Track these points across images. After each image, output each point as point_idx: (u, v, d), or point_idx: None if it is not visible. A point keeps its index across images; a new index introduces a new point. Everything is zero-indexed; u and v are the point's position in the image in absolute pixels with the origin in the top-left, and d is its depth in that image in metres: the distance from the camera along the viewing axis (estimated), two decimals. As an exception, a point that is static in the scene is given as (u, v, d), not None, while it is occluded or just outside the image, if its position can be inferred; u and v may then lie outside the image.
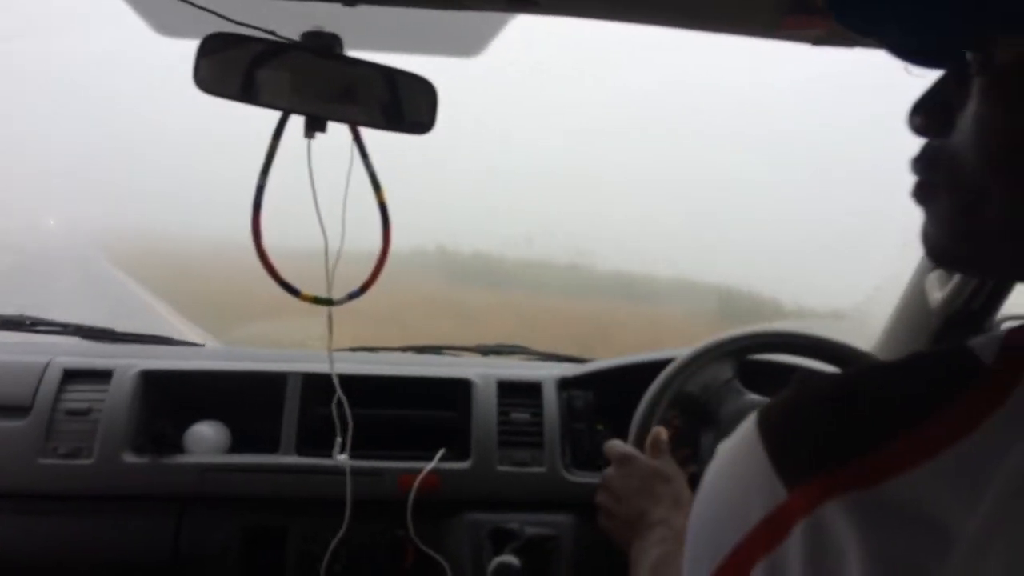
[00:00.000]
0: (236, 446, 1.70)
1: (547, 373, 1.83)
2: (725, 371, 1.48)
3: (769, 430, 0.49)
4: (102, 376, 1.69)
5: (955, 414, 0.44)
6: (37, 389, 1.66)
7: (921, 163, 0.56)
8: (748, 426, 0.50)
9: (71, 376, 1.69)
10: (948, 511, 0.41)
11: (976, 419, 0.43)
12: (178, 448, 1.66)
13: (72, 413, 1.64)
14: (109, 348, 1.91)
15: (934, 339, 1.77)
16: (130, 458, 1.61)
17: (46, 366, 1.70)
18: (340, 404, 1.56)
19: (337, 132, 1.28)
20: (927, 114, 0.55)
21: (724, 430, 1.42)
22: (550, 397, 1.77)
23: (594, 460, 1.74)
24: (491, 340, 2.11)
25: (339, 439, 1.58)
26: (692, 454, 1.50)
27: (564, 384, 1.81)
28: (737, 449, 0.51)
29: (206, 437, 1.67)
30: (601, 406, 1.79)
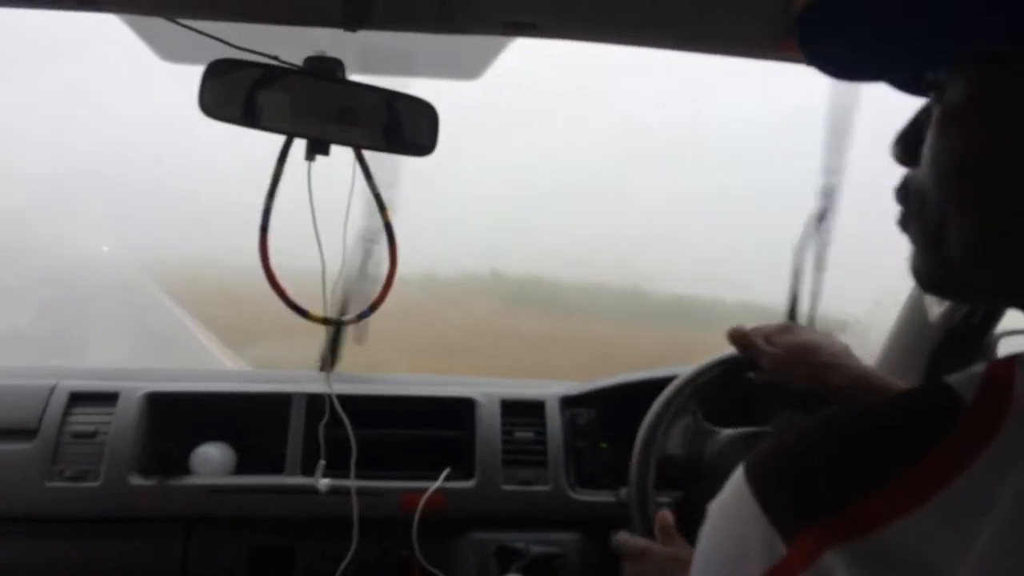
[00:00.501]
0: (242, 467, 1.71)
1: (550, 391, 1.84)
2: (689, 419, 1.46)
3: (759, 483, 0.49)
4: (108, 399, 1.70)
5: (942, 457, 0.44)
6: (44, 412, 1.67)
7: (898, 193, 0.58)
8: (737, 481, 0.50)
9: (77, 399, 1.70)
10: (942, 555, 0.42)
11: (963, 461, 0.43)
12: (184, 470, 1.66)
13: (78, 436, 1.65)
14: (114, 371, 1.92)
15: (934, 354, 1.77)
16: (136, 480, 1.62)
17: (52, 389, 1.71)
18: (339, 425, 1.57)
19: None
20: (903, 144, 0.58)
21: (711, 475, 1.41)
22: (553, 415, 1.78)
23: (598, 478, 1.75)
24: (567, 374, 2.09)
25: (322, 462, 1.61)
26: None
27: (567, 402, 1.81)
28: (729, 506, 0.51)
29: (212, 458, 1.67)
30: (604, 424, 1.79)
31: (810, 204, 1.76)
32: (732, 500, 0.51)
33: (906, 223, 0.58)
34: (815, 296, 1.85)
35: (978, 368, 0.47)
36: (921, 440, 0.45)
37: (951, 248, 0.53)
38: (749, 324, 1.36)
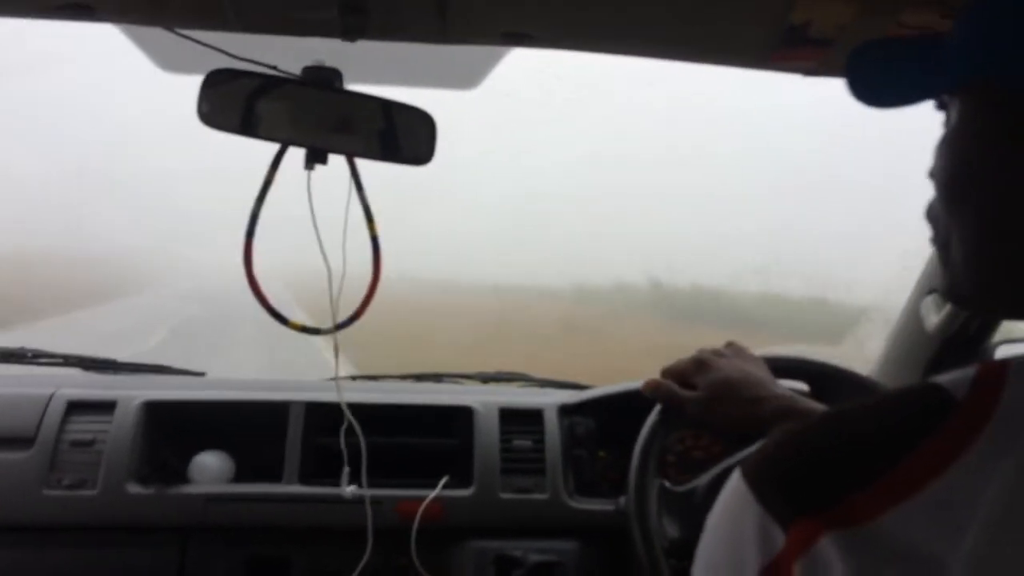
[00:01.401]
0: (240, 476, 1.70)
1: (548, 400, 1.84)
2: (661, 492, 1.45)
3: (757, 479, 0.51)
4: (106, 407, 1.70)
5: (934, 449, 0.45)
6: (41, 421, 1.67)
7: (927, 215, 0.63)
8: (735, 482, 0.52)
9: (75, 407, 1.70)
10: (936, 543, 0.43)
11: (954, 453, 0.45)
12: (182, 478, 1.66)
13: (76, 444, 1.65)
14: (111, 379, 1.92)
15: (931, 363, 1.78)
16: (134, 489, 1.62)
17: (50, 398, 1.71)
18: (351, 432, 1.57)
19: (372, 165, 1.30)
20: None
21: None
22: (551, 424, 1.78)
23: (597, 486, 1.75)
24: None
25: (347, 469, 1.59)
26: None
27: (565, 411, 1.81)
28: (727, 504, 0.53)
29: (210, 467, 1.67)
30: (602, 432, 1.79)
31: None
32: (730, 498, 0.52)
33: (934, 241, 0.62)
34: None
35: (970, 370, 0.49)
36: (913, 435, 0.47)
37: (955, 263, 0.57)
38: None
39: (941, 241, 0.59)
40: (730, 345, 1.30)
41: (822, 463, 0.49)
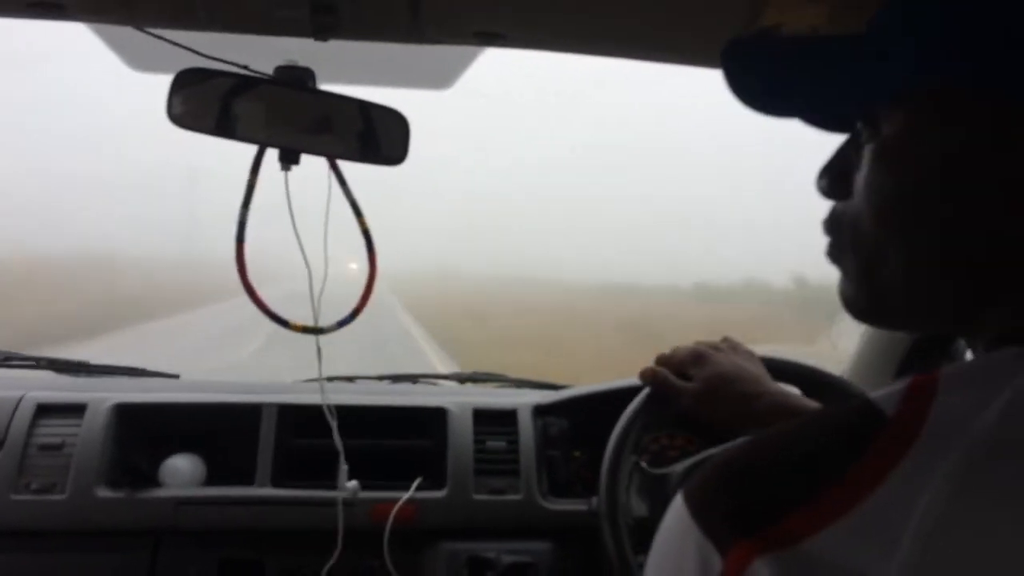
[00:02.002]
0: (212, 478, 1.69)
1: (522, 400, 1.84)
2: (636, 473, 1.46)
3: (696, 504, 0.51)
4: (76, 410, 1.68)
5: (865, 466, 0.45)
6: (9, 424, 1.64)
7: (828, 224, 0.62)
8: (677, 505, 0.52)
9: (44, 411, 1.68)
10: (868, 560, 0.43)
11: (885, 468, 0.45)
12: (153, 481, 1.65)
13: (45, 448, 1.63)
14: (83, 382, 1.90)
15: (904, 363, 1.79)
16: (104, 492, 1.60)
17: (19, 401, 1.68)
18: (317, 435, 1.56)
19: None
20: (830, 178, 0.61)
21: None
22: (525, 424, 1.78)
23: (571, 487, 1.75)
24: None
25: (344, 466, 1.59)
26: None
27: (539, 411, 1.81)
28: (670, 530, 0.53)
29: (181, 470, 1.66)
30: (577, 433, 1.80)
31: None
32: (672, 523, 0.53)
33: (837, 254, 0.61)
34: None
35: (902, 383, 0.49)
36: (844, 454, 0.47)
37: (886, 277, 0.56)
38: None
39: (864, 257, 0.58)
40: (726, 340, 1.30)
41: (757, 485, 0.49)
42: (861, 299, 0.60)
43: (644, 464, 1.40)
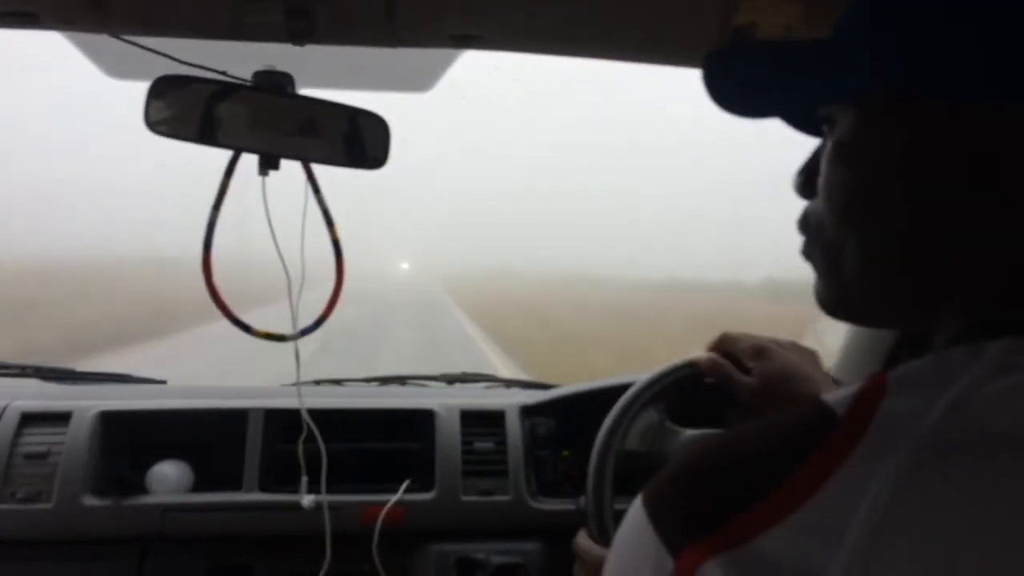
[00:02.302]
0: (199, 485, 1.69)
1: (510, 401, 1.84)
2: (654, 416, 1.46)
3: (653, 506, 0.52)
4: (61, 418, 1.68)
5: (810, 467, 0.46)
6: None
7: (800, 223, 0.63)
8: (635, 505, 0.53)
9: (29, 419, 1.67)
10: (813, 559, 0.43)
11: (832, 466, 0.45)
12: (140, 489, 1.64)
13: (30, 457, 1.62)
14: (70, 389, 1.90)
15: (891, 356, 1.80)
16: (90, 501, 1.60)
17: (3, 410, 1.68)
18: (311, 439, 1.55)
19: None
20: (803, 178, 0.63)
21: None
22: (513, 425, 1.78)
23: (559, 487, 1.75)
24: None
25: (304, 478, 1.58)
26: None
27: (527, 412, 1.82)
28: (629, 529, 0.54)
29: (168, 477, 1.65)
30: (565, 432, 1.80)
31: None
32: (631, 523, 0.53)
33: (809, 252, 0.63)
34: None
35: (856, 385, 0.50)
36: (796, 453, 0.47)
37: (846, 273, 0.58)
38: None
39: (829, 253, 0.59)
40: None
41: (711, 486, 0.50)
42: (829, 296, 0.61)
43: (635, 448, 1.40)
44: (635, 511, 0.53)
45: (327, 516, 1.58)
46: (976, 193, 0.50)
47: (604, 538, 1.33)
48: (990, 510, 0.42)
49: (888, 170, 0.54)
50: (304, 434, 1.55)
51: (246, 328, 1.35)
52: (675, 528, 0.49)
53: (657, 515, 0.51)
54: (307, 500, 1.58)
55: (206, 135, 1.21)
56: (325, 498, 1.59)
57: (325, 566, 1.57)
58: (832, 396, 0.50)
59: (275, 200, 1.35)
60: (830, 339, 2.07)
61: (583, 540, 1.25)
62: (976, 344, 0.48)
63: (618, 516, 1.38)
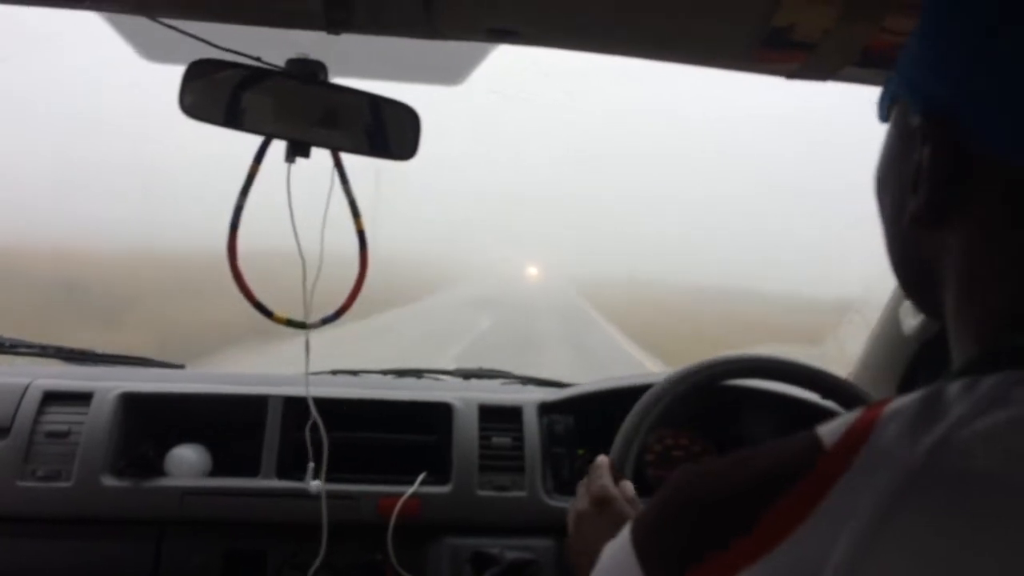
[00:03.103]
0: (217, 469, 1.70)
1: (528, 397, 1.84)
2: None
3: (639, 538, 0.52)
4: (82, 398, 1.69)
5: (788, 505, 0.45)
6: (16, 411, 1.65)
7: None
8: (624, 533, 0.53)
9: (51, 398, 1.68)
10: None
11: (806, 509, 0.44)
12: (158, 471, 1.65)
13: (51, 435, 1.63)
14: (90, 371, 1.91)
15: (909, 367, 1.79)
16: (109, 481, 1.61)
17: (26, 388, 1.69)
18: (316, 428, 1.56)
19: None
20: None
21: None
22: (531, 421, 1.78)
23: (575, 485, 1.75)
24: None
25: (311, 464, 1.58)
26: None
27: (544, 408, 1.82)
28: (615, 555, 0.54)
29: (187, 460, 1.66)
30: (581, 430, 1.80)
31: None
32: (618, 552, 0.54)
33: None
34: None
35: (851, 416, 0.48)
36: (776, 489, 0.46)
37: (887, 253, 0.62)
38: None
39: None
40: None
41: (688, 521, 0.49)
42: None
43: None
44: (622, 543, 0.53)
45: (324, 504, 1.59)
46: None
47: None
48: (966, 550, 0.41)
49: (880, 169, 0.59)
50: (311, 422, 1.55)
51: (267, 313, 1.36)
52: (659, 562, 0.49)
53: (640, 546, 0.51)
54: (314, 485, 1.58)
55: (239, 121, 1.22)
56: (324, 486, 1.59)
57: (321, 553, 1.57)
58: (826, 426, 0.48)
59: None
60: (851, 348, 2.06)
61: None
62: (974, 377, 0.47)
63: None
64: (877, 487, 0.43)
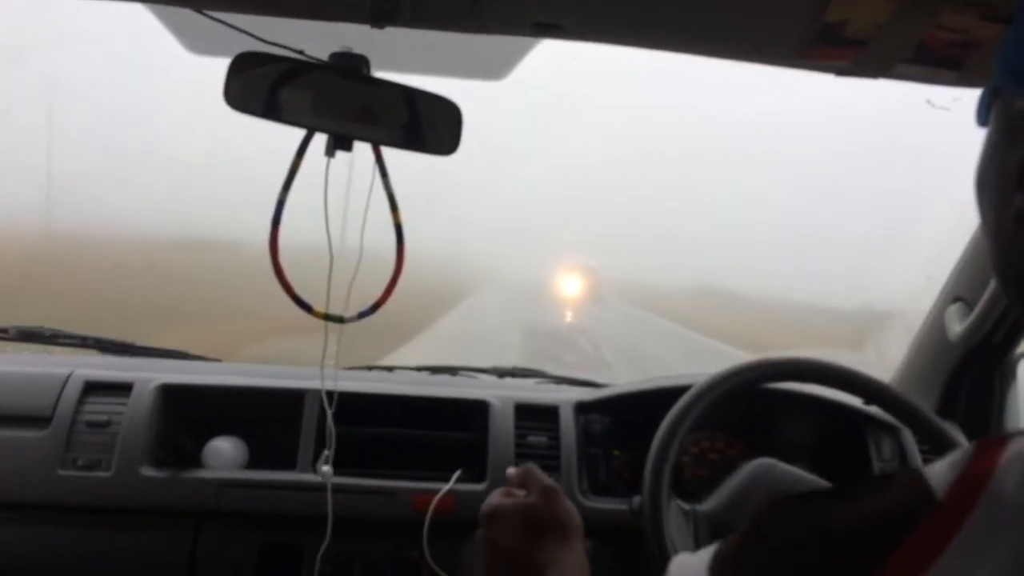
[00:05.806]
0: (254, 462, 1.71)
1: (564, 397, 1.83)
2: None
3: (726, 573, 0.49)
4: (122, 389, 1.70)
5: (917, 546, 0.42)
6: (58, 400, 1.67)
7: None
8: (701, 566, 0.50)
9: (92, 388, 1.70)
10: None
11: (938, 549, 0.42)
12: (196, 462, 1.66)
13: (92, 425, 1.65)
14: (128, 362, 1.93)
15: (954, 373, 1.76)
16: (148, 471, 1.62)
17: (67, 378, 1.71)
18: (355, 423, 1.55)
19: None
20: None
21: None
22: (567, 421, 1.77)
23: (611, 485, 1.74)
24: None
25: (326, 452, 1.57)
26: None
27: (581, 408, 1.80)
28: None
29: (224, 452, 1.67)
30: (618, 431, 1.78)
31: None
32: None
33: None
34: None
35: (960, 459, 0.45)
36: (886, 539, 0.44)
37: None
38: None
39: None
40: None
41: (785, 563, 0.46)
42: None
43: (679, 503, 1.41)
44: (697, 567, 0.50)
45: (329, 496, 1.58)
46: None
47: (658, 539, 1.32)
48: None
49: (978, 170, 0.54)
50: (332, 411, 1.53)
51: (307, 308, 1.36)
52: None
53: None
54: (324, 470, 1.57)
55: (282, 113, 1.22)
56: (331, 479, 1.58)
57: (324, 543, 1.57)
58: (933, 470, 0.45)
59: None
60: (893, 352, 2.03)
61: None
62: None
63: (674, 519, 1.37)
64: (1004, 549, 0.40)
